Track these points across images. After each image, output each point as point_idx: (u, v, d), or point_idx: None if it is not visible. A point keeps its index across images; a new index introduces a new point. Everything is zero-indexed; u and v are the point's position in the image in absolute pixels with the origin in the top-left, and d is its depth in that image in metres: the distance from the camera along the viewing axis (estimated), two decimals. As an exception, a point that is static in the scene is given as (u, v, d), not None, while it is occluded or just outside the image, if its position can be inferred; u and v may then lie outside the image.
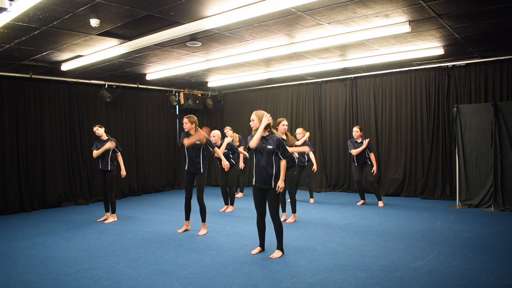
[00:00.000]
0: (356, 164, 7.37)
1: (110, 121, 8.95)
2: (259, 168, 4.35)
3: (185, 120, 5.48)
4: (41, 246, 5.07)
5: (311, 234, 5.38)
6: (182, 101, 10.10)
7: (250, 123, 4.43)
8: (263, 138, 4.34)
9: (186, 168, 5.56)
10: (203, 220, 5.58)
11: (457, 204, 7.09)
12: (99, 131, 6.40)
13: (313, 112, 9.63)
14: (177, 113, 10.45)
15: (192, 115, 5.55)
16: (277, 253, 4.43)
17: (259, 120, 4.35)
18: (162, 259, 4.42)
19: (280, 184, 4.31)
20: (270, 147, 4.28)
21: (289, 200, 6.18)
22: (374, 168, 7.26)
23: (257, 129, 4.34)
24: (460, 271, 3.82)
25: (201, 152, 5.51)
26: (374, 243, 4.84)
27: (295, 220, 6.15)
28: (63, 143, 8.17)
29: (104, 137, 6.44)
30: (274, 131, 4.46)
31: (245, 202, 7.98)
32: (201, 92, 10.75)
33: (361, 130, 7.37)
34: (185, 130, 5.50)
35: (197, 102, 10.41)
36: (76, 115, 8.37)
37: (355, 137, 7.33)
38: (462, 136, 7.05)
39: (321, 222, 6.12)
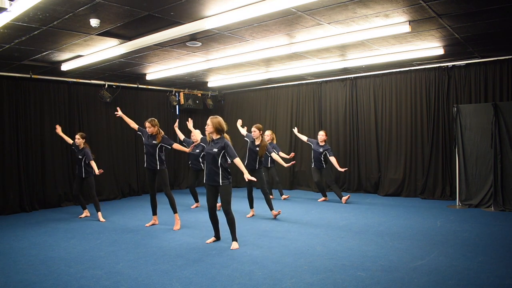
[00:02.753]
0: (313, 166, 7.85)
1: (110, 121, 8.95)
2: (208, 168, 4.76)
3: (147, 124, 5.75)
4: (41, 246, 5.06)
5: (311, 234, 5.38)
6: (182, 101, 10.10)
7: (206, 127, 4.73)
8: (212, 141, 4.74)
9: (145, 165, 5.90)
10: (174, 211, 5.95)
11: (457, 204, 7.09)
12: (79, 141, 6.65)
13: (313, 112, 9.63)
14: (177, 113, 10.45)
15: (154, 119, 5.85)
16: (234, 245, 4.76)
17: (213, 127, 4.67)
18: (162, 259, 4.42)
19: (246, 176, 4.70)
20: (215, 150, 4.66)
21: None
22: (338, 168, 7.61)
23: (210, 133, 4.73)
24: (460, 271, 3.82)
25: (157, 150, 5.76)
26: (374, 243, 4.84)
27: (276, 214, 6.37)
28: (63, 143, 8.11)
29: (81, 146, 6.67)
30: (227, 136, 4.76)
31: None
32: (201, 92, 10.75)
33: (326, 135, 7.79)
34: (149, 133, 5.76)
35: (197, 102, 10.42)
36: (76, 115, 8.37)
37: (319, 140, 7.73)
38: (462, 136, 7.05)
39: (321, 222, 6.12)
